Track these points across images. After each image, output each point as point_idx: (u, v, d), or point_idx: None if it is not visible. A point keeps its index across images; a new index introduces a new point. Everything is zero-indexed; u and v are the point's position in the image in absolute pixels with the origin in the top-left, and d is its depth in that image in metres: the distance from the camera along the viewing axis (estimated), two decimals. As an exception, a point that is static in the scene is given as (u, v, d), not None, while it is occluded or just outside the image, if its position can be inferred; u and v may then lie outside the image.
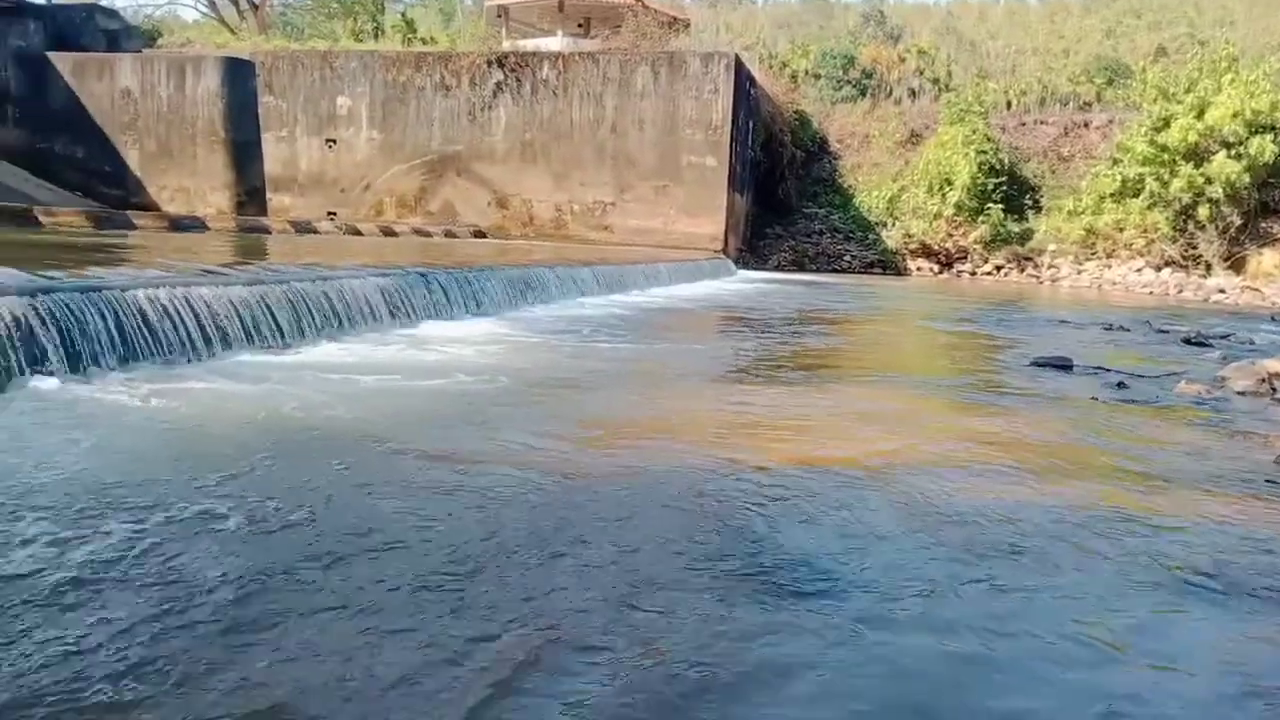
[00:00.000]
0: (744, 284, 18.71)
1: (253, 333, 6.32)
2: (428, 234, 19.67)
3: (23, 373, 4.58)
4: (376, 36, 31.61)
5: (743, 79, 21.88)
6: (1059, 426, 5.36)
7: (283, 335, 6.56)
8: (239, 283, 6.55)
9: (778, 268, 24.82)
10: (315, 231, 17.21)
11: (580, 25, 26.72)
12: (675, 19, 26.31)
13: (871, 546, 3.04)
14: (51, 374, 4.68)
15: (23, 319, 4.68)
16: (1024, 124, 27.70)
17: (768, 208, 26.12)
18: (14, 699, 1.85)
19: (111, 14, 25.68)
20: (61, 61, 21.81)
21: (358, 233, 18.01)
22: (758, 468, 3.94)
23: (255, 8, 36.24)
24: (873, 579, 2.75)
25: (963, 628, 2.46)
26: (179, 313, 5.69)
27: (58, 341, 4.80)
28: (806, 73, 32.12)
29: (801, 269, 24.99)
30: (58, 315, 4.86)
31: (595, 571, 2.70)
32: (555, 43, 24.00)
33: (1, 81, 21.94)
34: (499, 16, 27.20)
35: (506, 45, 24.63)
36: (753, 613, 2.45)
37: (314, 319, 7.05)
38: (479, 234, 21.66)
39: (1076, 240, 24.73)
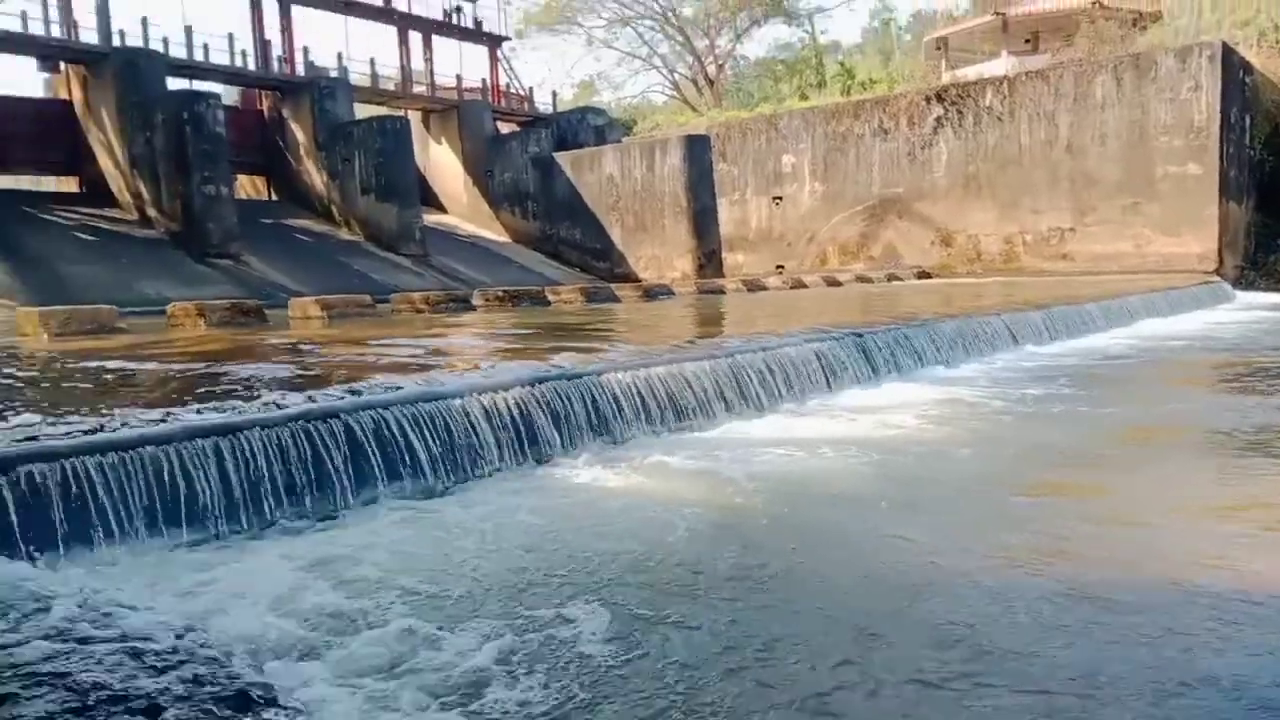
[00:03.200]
0: (1247, 312, 15.78)
1: (703, 406, 7.04)
2: (869, 280, 19.84)
3: (539, 454, 5.71)
4: (820, 88, 32.87)
5: (1233, 68, 18.67)
6: None
7: (729, 408, 7.19)
8: (690, 359, 7.36)
9: (1297, 285, 20.41)
10: (764, 288, 18.36)
11: (1027, 41, 25.04)
12: (1140, 15, 23.35)
13: None
14: (549, 454, 5.76)
15: (525, 406, 5.85)
16: None
17: (1278, 215, 21.68)
18: None
19: (599, 112, 30.33)
20: (563, 159, 26.28)
21: (803, 285, 18.84)
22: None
23: (711, 83, 40.00)
24: None
25: None
26: (639, 393, 6.59)
27: (550, 424, 5.89)
28: (1331, 40, 26.13)
29: (1332, 284, 20.23)
30: (549, 400, 5.97)
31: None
32: (999, 65, 22.80)
33: (523, 183, 27.11)
34: (937, 49, 26.63)
35: (945, 78, 24.00)
36: None
37: (757, 390, 7.59)
38: (923, 275, 21.25)
39: None
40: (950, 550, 3.87)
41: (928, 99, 21.86)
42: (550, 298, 15.29)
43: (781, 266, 23.55)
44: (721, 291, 17.93)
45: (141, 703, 2.61)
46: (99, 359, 8.02)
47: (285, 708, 2.67)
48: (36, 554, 3.77)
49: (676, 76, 42.69)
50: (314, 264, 20.52)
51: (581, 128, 27.64)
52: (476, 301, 14.54)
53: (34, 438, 4.29)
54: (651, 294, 16.41)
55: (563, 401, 6.10)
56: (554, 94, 32.77)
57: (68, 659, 2.87)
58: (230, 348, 9.00)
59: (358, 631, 3.25)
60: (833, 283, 19.24)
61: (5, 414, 4.87)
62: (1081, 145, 19.61)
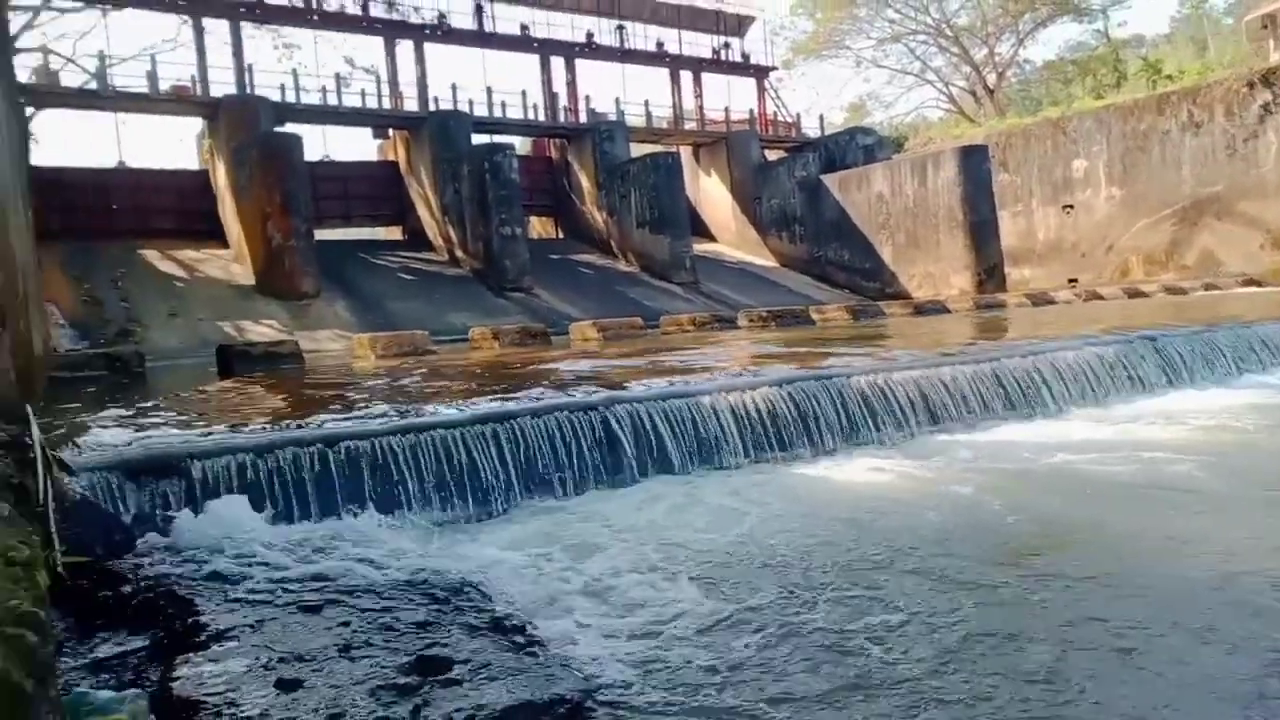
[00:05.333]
0: None
1: (960, 408, 6.75)
2: (1181, 290, 17.70)
3: (785, 448, 5.83)
4: (1118, 87, 30.00)
5: None
6: None
7: (990, 411, 6.83)
8: (950, 363, 7.10)
9: None
10: (1051, 302, 17.03)
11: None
12: None
13: None
14: (798, 452, 5.85)
15: (773, 404, 5.97)
16: None
17: None
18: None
19: (868, 132, 29.80)
20: (830, 181, 26.12)
21: (1098, 297, 17.25)
22: None
23: (990, 92, 37.84)
24: None
25: None
26: (892, 395, 6.47)
27: (799, 422, 5.97)
28: None
29: None
30: (798, 400, 6.05)
31: None
32: (1347, 37, 19.52)
33: (790, 207, 27.28)
34: (1263, 28, 23.30)
35: (1274, 58, 20.93)
36: None
37: (1026, 394, 7.14)
38: (1250, 282, 18.57)
39: None
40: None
41: (1250, 84, 19.22)
42: (814, 316, 15.26)
43: (1074, 280, 21.66)
44: (1001, 306, 16.86)
45: (419, 620, 3.09)
46: (411, 372, 9.27)
47: (533, 638, 3.01)
48: (351, 512, 4.50)
49: (952, 89, 40.87)
50: (594, 293, 22.03)
51: (849, 148, 27.32)
52: (741, 322, 14.87)
53: (350, 421, 5.14)
54: (922, 310, 15.84)
55: (811, 401, 6.16)
56: (821, 118, 32.72)
57: (370, 586, 3.45)
58: (515, 361, 9.99)
59: (609, 590, 3.55)
60: (1135, 294, 17.41)
61: (337, 407, 5.85)
62: None
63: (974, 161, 22.39)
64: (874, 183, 24.77)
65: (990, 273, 21.92)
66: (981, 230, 22.16)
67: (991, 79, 38.64)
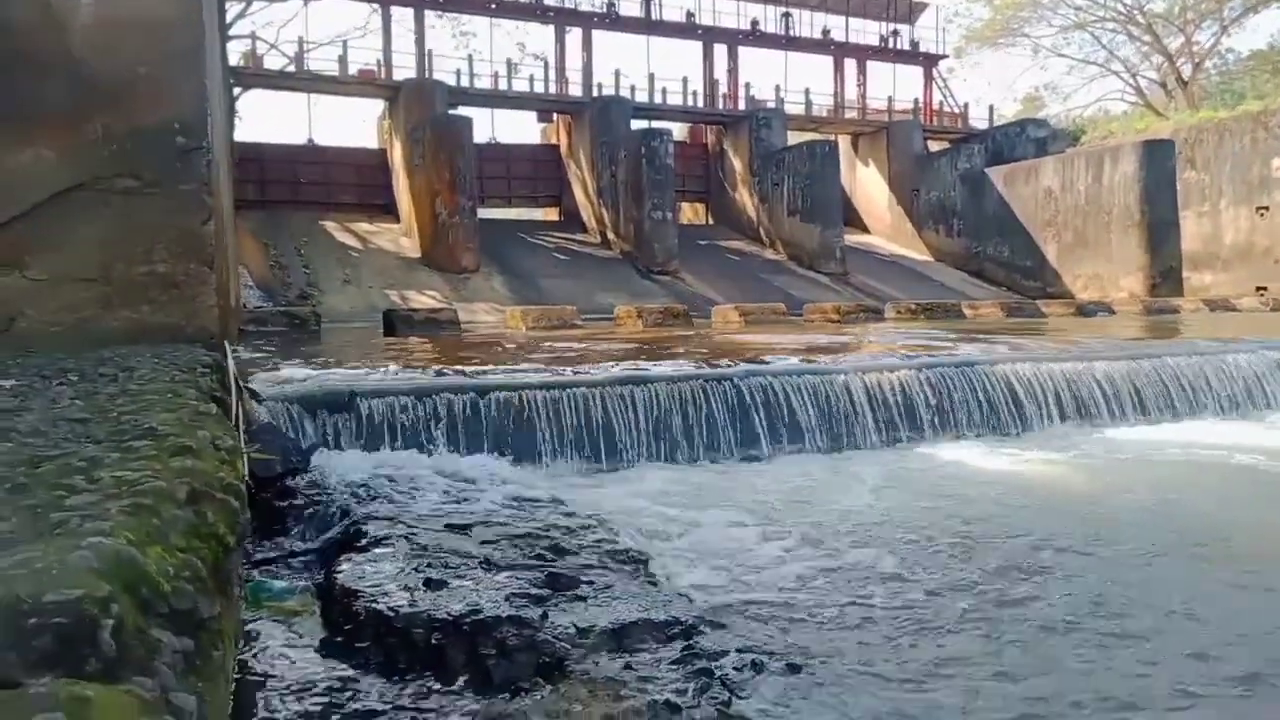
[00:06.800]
0: None
1: (1115, 407, 6.49)
2: (1392, 302, 16.01)
3: (917, 431, 5.82)
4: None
5: None
6: None
7: (1146, 411, 6.53)
8: (1104, 358, 6.82)
9: None
10: (1233, 309, 15.80)
11: None
12: None
13: None
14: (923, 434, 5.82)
15: (909, 387, 5.95)
16: None
17: None
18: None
19: (1040, 124, 28.30)
20: (994, 174, 25.00)
21: (1288, 306, 15.86)
22: None
23: (1184, 84, 35.05)
24: None
25: None
26: (1039, 386, 6.30)
27: (934, 406, 5.92)
28: None
29: None
30: (934, 384, 6.00)
31: None
32: None
33: (949, 201, 26.31)
34: None
35: None
36: None
37: (1188, 394, 6.79)
38: None
39: None
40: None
41: None
42: (966, 311, 14.79)
43: (1263, 288, 19.88)
44: (1174, 311, 15.78)
45: (552, 545, 3.37)
46: (559, 341, 9.73)
47: (653, 571, 3.23)
48: (496, 453, 4.87)
49: (1140, 81, 38.10)
50: (739, 279, 22.08)
51: (1019, 141, 26.03)
52: (888, 314, 14.60)
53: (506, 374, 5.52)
54: (1084, 311, 15.04)
55: (949, 386, 6.09)
56: (991, 109, 31.28)
57: (509, 516, 3.77)
58: (656, 338, 10.27)
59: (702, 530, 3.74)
60: (1334, 304, 15.88)
61: (488, 364, 6.28)
62: None
63: (1158, 157, 20.92)
64: (1043, 177, 23.55)
65: (1166, 276, 20.46)
66: (1159, 230, 20.70)
67: (1186, 70, 35.78)
